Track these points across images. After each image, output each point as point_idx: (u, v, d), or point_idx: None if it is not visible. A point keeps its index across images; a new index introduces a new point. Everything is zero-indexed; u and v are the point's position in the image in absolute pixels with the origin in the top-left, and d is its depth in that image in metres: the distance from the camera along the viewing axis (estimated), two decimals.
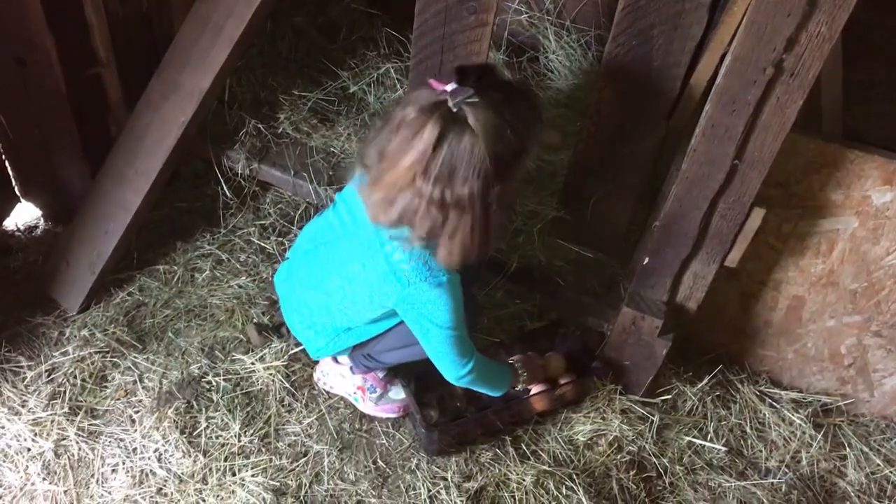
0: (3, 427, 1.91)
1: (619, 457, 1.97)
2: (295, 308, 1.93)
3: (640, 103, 1.82)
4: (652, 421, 2.02)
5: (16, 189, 2.39)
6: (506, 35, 2.64)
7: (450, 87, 1.43)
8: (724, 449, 2.03)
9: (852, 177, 1.75)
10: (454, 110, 1.42)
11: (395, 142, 1.46)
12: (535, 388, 2.01)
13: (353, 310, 1.79)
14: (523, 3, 2.62)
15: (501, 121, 1.43)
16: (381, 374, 1.99)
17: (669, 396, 2.09)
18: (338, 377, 2.02)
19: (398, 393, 2.01)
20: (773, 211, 1.81)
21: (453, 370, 1.75)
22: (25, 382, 2.00)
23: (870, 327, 1.98)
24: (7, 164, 2.33)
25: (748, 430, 2.09)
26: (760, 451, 2.06)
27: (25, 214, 2.43)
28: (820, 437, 2.08)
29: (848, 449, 2.10)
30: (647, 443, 2.00)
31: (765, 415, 2.12)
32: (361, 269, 1.68)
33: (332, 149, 2.28)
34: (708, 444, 2.04)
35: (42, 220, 2.42)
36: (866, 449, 2.10)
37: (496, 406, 1.96)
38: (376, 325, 1.83)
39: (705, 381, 2.12)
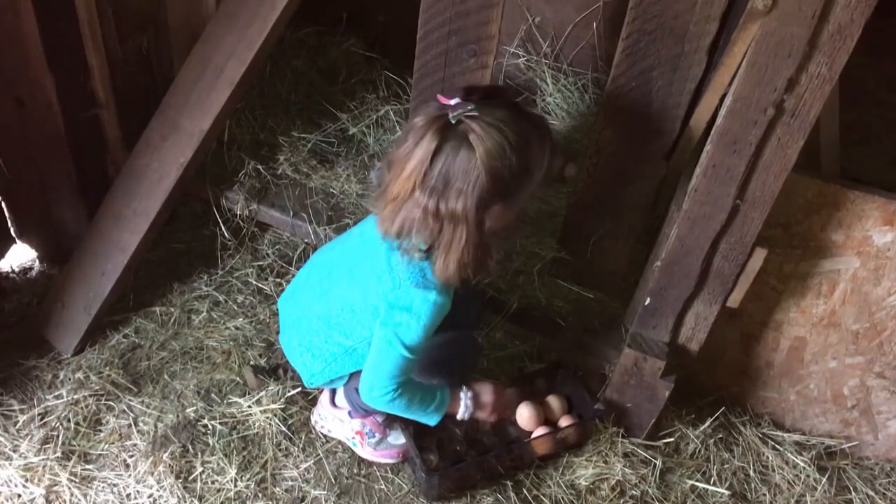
0: None
1: (621, 501, 1.93)
2: (294, 325, 1.90)
3: (640, 144, 1.83)
4: (655, 464, 1.99)
5: (11, 230, 2.38)
6: (503, 78, 2.66)
7: (453, 101, 1.47)
8: (727, 493, 2.00)
9: (853, 217, 1.75)
10: (453, 122, 1.44)
11: (401, 149, 1.50)
12: (536, 432, 1.98)
13: (353, 320, 1.76)
14: (521, 46, 2.65)
15: (502, 138, 1.44)
16: (379, 419, 1.96)
17: (672, 439, 2.06)
18: (336, 421, 1.99)
19: (397, 438, 1.98)
20: (773, 251, 1.81)
21: (379, 388, 1.68)
22: (17, 426, 1.97)
23: (872, 368, 1.97)
24: (3, 204, 2.32)
25: (752, 473, 2.06)
26: (765, 495, 2.03)
27: (21, 256, 2.41)
28: (825, 480, 2.05)
29: (853, 493, 2.07)
30: (650, 487, 1.96)
31: (768, 457, 2.09)
32: (366, 274, 1.69)
33: (331, 189, 2.28)
34: (711, 487, 2.01)
35: (37, 262, 2.40)
36: (871, 493, 2.07)
37: (497, 450, 1.93)
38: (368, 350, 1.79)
39: (707, 423, 2.10)
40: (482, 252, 1.53)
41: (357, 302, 1.73)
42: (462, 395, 1.80)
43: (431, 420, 1.78)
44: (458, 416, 1.81)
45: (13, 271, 2.37)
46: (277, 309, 2.02)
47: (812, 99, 1.47)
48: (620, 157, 1.87)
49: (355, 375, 1.84)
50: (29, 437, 1.95)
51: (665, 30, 1.66)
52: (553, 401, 2.05)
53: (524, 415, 2.01)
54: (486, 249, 1.54)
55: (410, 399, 1.72)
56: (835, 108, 1.84)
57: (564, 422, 2.01)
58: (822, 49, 1.41)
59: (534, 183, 1.56)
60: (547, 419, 2.02)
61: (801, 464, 2.08)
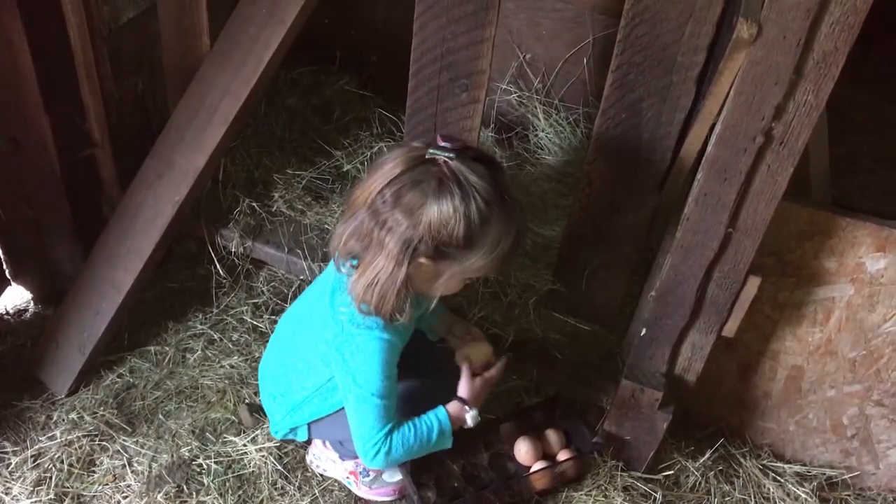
0: None
1: None
2: (263, 378, 1.93)
3: (631, 175, 1.84)
4: (655, 498, 1.97)
5: (6, 271, 2.37)
6: (494, 114, 2.69)
7: (443, 143, 1.46)
8: None
9: (845, 244, 1.75)
10: (427, 157, 1.44)
11: (377, 162, 1.51)
12: (535, 466, 1.96)
13: (304, 368, 1.76)
14: (512, 83, 2.69)
15: (461, 203, 1.40)
16: None
17: (672, 472, 2.04)
18: (329, 462, 1.97)
19: (392, 475, 1.96)
20: (767, 280, 1.81)
21: (367, 444, 1.65)
22: (10, 469, 1.94)
23: (871, 396, 1.96)
24: None
25: None
26: None
27: (15, 297, 2.40)
28: None
29: None
30: None
31: (769, 489, 2.07)
32: (314, 320, 1.70)
33: (326, 226, 2.29)
34: None
35: (32, 304, 2.39)
36: None
37: (495, 485, 1.92)
38: (327, 396, 1.78)
39: (707, 455, 2.08)
40: (392, 291, 1.49)
41: (308, 350, 1.73)
42: (458, 405, 1.74)
43: (442, 444, 1.73)
44: (469, 425, 1.75)
45: (7, 313, 2.36)
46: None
47: (800, 126, 1.49)
48: (612, 188, 1.88)
49: (324, 425, 1.85)
50: (21, 479, 1.92)
51: (654, 61, 1.68)
52: (551, 435, 2.03)
53: (522, 450, 1.99)
54: (398, 292, 1.49)
55: (405, 441, 1.67)
56: (823, 136, 1.86)
57: (563, 456, 1.99)
58: (807, 77, 1.43)
59: (475, 263, 1.50)
60: (545, 453, 2.00)
61: (803, 495, 2.06)
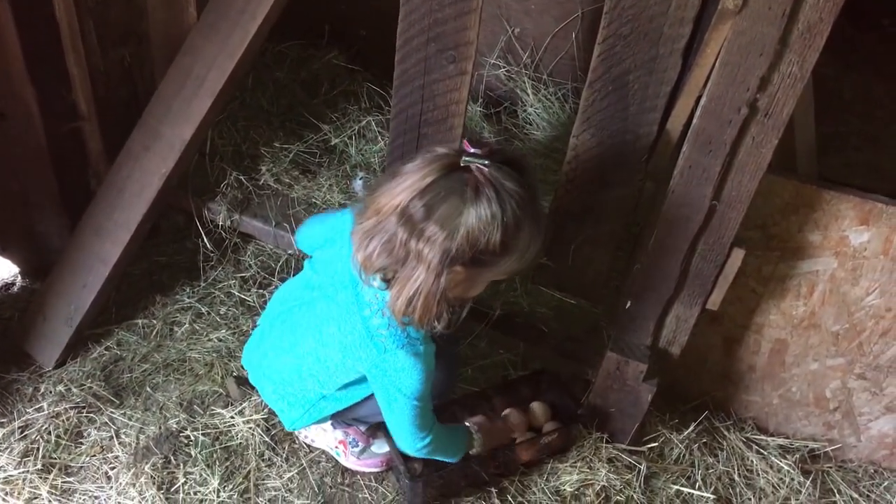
0: None
1: None
2: (266, 376, 1.89)
3: (618, 148, 1.84)
4: (639, 469, 1.99)
5: None
6: (483, 88, 2.68)
7: (473, 150, 1.43)
8: (712, 497, 2.00)
9: (829, 217, 1.77)
10: (462, 165, 1.41)
11: (406, 166, 1.46)
12: (520, 438, 1.97)
13: (325, 374, 1.75)
14: (501, 57, 2.68)
15: (498, 208, 1.39)
16: (363, 428, 1.95)
17: (656, 444, 2.06)
18: (319, 431, 1.98)
19: (381, 447, 1.97)
20: (752, 253, 1.83)
21: (411, 442, 1.72)
22: None
23: (853, 370, 1.98)
24: None
25: (736, 477, 2.06)
26: (749, 500, 2.03)
27: (2, 271, 2.39)
28: (808, 483, 2.06)
29: (837, 496, 2.07)
30: (634, 492, 1.96)
31: (752, 462, 2.09)
32: (337, 331, 1.67)
33: (313, 200, 2.29)
34: (696, 492, 2.00)
35: (19, 277, 2.39)
36: (856, 495, 2.08)
37: (481, 457, 1.92)
38: (349, 391, 1.79)
39: (691, 428, 2.10)
40: (434, 302, 1.48)
41: (333, 359, 1.72)
42: (474, 437, 1.86)
43: (456, 457, 1.84)
44: (472, 452, 1.86)
45: None
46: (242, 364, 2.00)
47: (785, 98, 1.49)
48: (599, 161, 1.89)
49: (347, 412, 1.85)
50: (9, 450, 1.92)
51: (640, 33, 1.68)
52: (537, 407, 2.05)
53: (508, 421, 2.01)
54: (439, 302, 1.48)
55: (445, 448, 1.78)
56: (809, 109, 1.87)
57: (548, 428, 2.01)
58: (792, 48, 1.44)
59: (505, 267, 1.51)
60: (531, 426, 2.02)
61: (786, 467, 2.08)
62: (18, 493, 1.84)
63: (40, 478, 1.87)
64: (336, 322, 1.67)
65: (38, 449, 1.93)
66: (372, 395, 1.75)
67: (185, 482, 1.90)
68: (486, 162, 1.41)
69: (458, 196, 1.40)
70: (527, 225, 1.45)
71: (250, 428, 2.01)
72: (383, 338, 1.59)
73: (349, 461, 1.97)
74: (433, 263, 1.43)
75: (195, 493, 1.88)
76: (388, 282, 1.54)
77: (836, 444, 2.14)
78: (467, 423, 1.89)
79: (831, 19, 1.39)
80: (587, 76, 1.81)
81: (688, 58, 1.70)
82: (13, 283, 2.38)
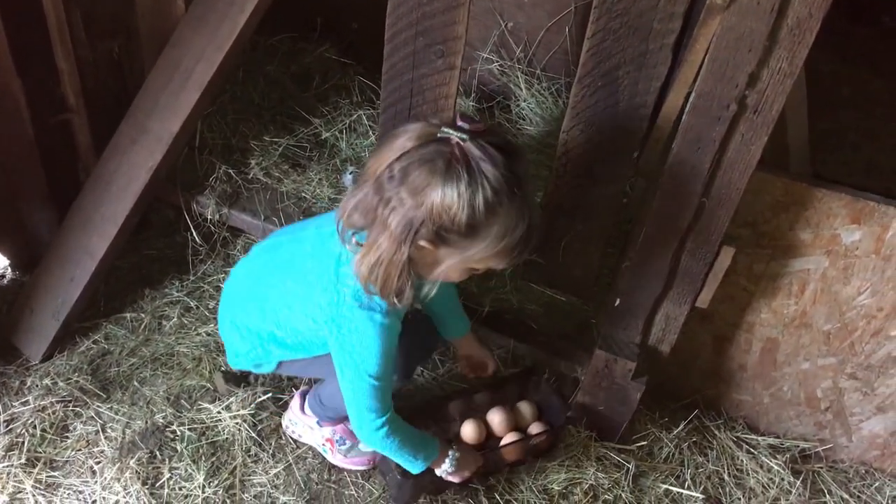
0: None
1: None
2: (230, 302, 1.84)
3: (608, 144, 1.82)
4: (628, 468, 1.98)
5: None
6: (476, 83, 2.66)
7: (461, 122, 1.37)
8: (702, 497, 1.98)
9: (820, 215, 1.75)
10: (440, 136, 1.36)
11: (387, 142, 1.43)
12: (506, 438, 1.95)
13: (288, 316, 1.70)
14: (494, 52, 2.66)
15: (467, 188, 1.32)
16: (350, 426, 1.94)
17: (645, 443, 2.05)
18: (306, 428, 1.97)
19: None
20: (743, 251, 1.81)
21: (366, 423, 1.64)
22: None
23: (844, 369, 1.96)
24: None
25: (726, 477, 2.05)
26: (739, 499, 2.02)
27: None
28: (799, 483, 2.04)
29: (828, 496, 2.06)
30: (623, 491, 1.95)
31: (742, 461, 2.08)
32: (311, 276, 1.62)
33: (303, 194, 2.27)
34: (686, 491, 1.99)
35: (9, 270, 2.38)
36: (846, 496, 2.06)
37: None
38: (302, 343, 1.74)
39: (681, 426, 2.09)
40: (395, 272, 1.43)
41: (297, 301, 1.67)
42: (450, 454, 1.78)
43: (416, 468, 1.76)
44: (438, 472, 1.80)
45: None
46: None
47: (774, 94, 1.47)
48: (588, 157, 1.86)
49: (297, 365, 1.81)
50: None
51: (630, 28, 1.66)
52: (524, 407, 2.03)
53: (495, 420, 1.99)
54: (400, 273, 1.43)
55: (402, 442, 1.69)
56: (802, 106, 1.85)
57: (535, 428, 1.99)
58: (781, 44, 1.42)
59: (477, 253, 1.43)
60: (518, 425, 2.00)
61: (776, 467, 2.07)
62: (2, 487, 1.84)
63: (25, 472, 1.87)
64: (314, 258, 1.62)
65: (23, 443, 1.93)
66: (323, 356, 1.69)
67: (171, 477, 1.89)
68: (465, 137, 1.35)
69: (430, 166, 1.34)
70: (503, 214, 1.37)
71: (237, 423, 2.00)
72: (347, 288, 1.54)
73: (336, 458, 1.96)
74: (395, 232, 1.39)
75: (180, 489, 1.88)
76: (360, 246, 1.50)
77: (827, 444, 2.12)
78: (453, 447, 1.81)
79: (821, 15, 1.37)
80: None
81: (678, 53, 1.68)
82: (3, 276, 2.37)
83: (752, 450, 2.11)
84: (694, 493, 1.99)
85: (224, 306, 1.87)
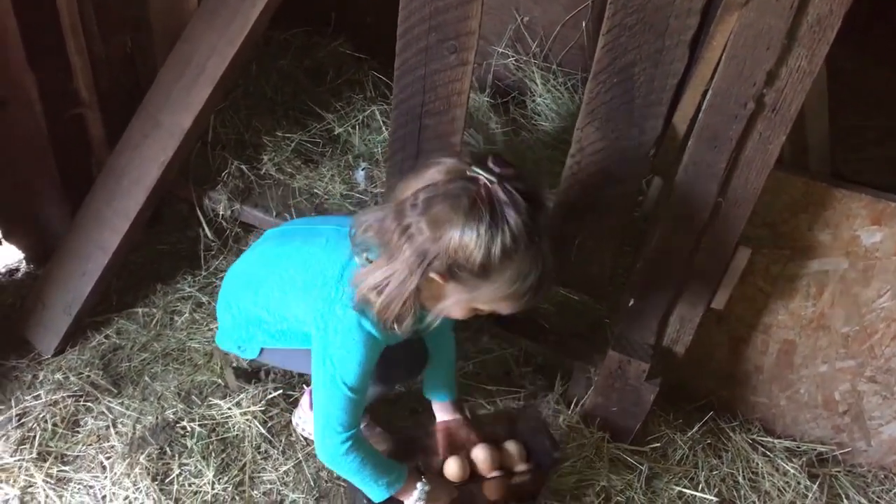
0: None
1: None
2: (231, 280, 1.83)
3: (623, 142, 1.79)
4: (641, 470, 1.95)
5: None
6: (491, 78, 2.64)
7: (489, 163, 1.36)
8: (715, 499, 1.95)
9: (840, 216, 1.71)
10: (469, 174, 1.35)
11: (416, 173, 1.42)
12: (491, 474, 1.86)
13: (279, 299, 1.67)
14: (509, 46, 2.63)
15: (486, 231, 1.32)
16: (362, 425, 1.92)
17: (659, 444, 2.03)
18: None
19: (377, 445, 1.93)
20: (760, 252, 1.78)
21: (330, 434, 1.59)
22: None
23: (864, 373, 1.93)
24: None
25: (741, 479, 2.02)
26: (754, 503, 1.98)
27: (7, 257, 2.39)
28: (815, 487, 2.01)
29: (845, 501, 2.02)
30: (635, 493, 1.92)
31: (758, 464, 2.05)
32: (319, 261, 1.60)
33: (315, 190, 2.26)
34: (699, 494, 1.96)
35: (24, 263, 2.39)
36: (864, 501, 2.03)
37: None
38: (286, 333, 1.71)
39: (696, 428, 2.06)
40: (399, 300, 1.43)
41: (293, 289, 1.64)
42: (419, 486, 1.69)
43: (379, 494, 1.67)
44: (410, 500, 1.70)
45: None
46: None
47: (793, 93, 1.44)
48: (603, 155, 1.83)
49: (279, 354, 1.78)
50: (5, 437, 1.92)
51: (646, 24, 1.62)
52: (511, 446, 1.91)
53: (479, 458, 1.88)
54: (405, 301, 1.43)
55: (363, 462, 1.62)
56: (823, 104, 1.80)
57: (521, 468, 1.89)
58: (801, 41, 1.38)
59: (486, 294, 1.42)
60: (503, 465, 1.89)
61: (792, 471, 2.03)
62: (14, 481, 1.84)
63: (36, 466, 1.87)
64: (326, 252, 1.60)
65: (34, 437, 1.93)
66: (305, 350, 1.65)
67: (180, 473, 1.89)
68: (494, 179, 1.34)
69: (454, 202, 1.33)
70: (517, 260, 1.36)
71: (247, 420, 1.99)
72: (343, 291, 1.53)
73: None
74: (409, 259, 1.38)
75: (189, 485, 1.87)
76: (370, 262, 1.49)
77: (845, 448, 2.08)
78: (423, 480, 1.71)
79: (842, 11, 1.34)
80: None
81: (695, 50, 1.65)
82: (17, 269, 2.38)
83: (768, 453, 2.07)
84: (708, 496, 1.96)
85: (225, 283, 1.86)
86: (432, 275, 1.40)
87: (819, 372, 1.97)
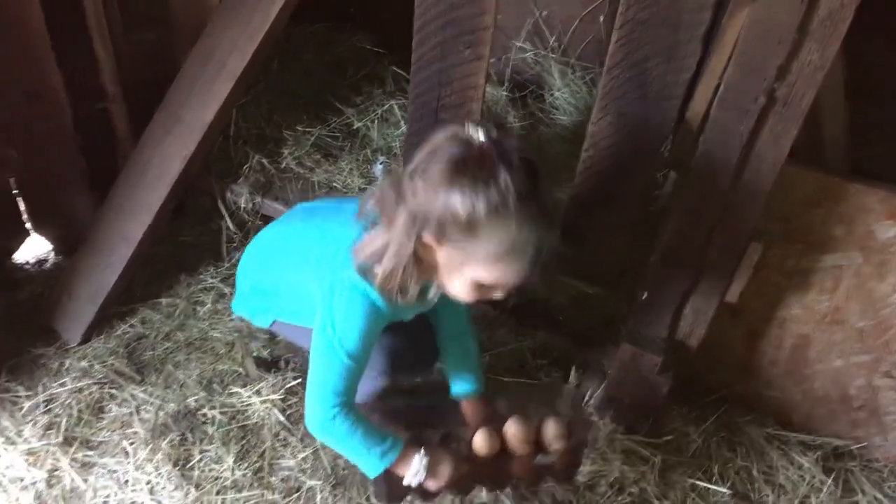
0: None
1: (619, 498, 1.90)
2: (254, 247, 1.86)
3: (637, 136, 1.80)
4: (654, 462, 1.96)
5: (26, 223, 2.43)
6: (509, 72, 2.65)
7: (485, 126, 1.36)
8: (729, 492, 1.96)
9: (854, 211, 1.71)
10: (464, 136, 1.35)
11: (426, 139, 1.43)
12: (522, 451, 1.73)
13: (294, 267, 1.67)
14: (528, 40, 2.64)
15: (473, 191, 1.31)
16: (376, 418, 1.96)
17: (673, 437, 2.03)
18: None
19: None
20: (775, 246, 1.78)
21: (321, 401, 1.53)
22: (23, 412, 2.00)
23: (879, 368, 1.92)
24: (18, 197, 2.36)
25: (755, 472, 2.02)
26: (768, 496, 1.99)
27: (36, 247, 2.46)
28: (830, 481, 2.00)
29: (860, 495, 2.01)
30: (649, 484, 1.93)
31: (772, 457, 2.05)
32: (338, 235, 1.56)
33: (334, 183, 2.29)
34: (713, 486, 1.97)
35: (52, 254, 2.45)
36: (880, 496, 2.02)
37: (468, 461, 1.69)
38: (299, 308, 1.69)
39: (710, 421, 2.07)
40: (399, 267, 1.42)
41: (307, 266, 1.61)
42: (417, 457, 1.59)
43: (373, 467, 1.58)
44: (405, 481, 1.60)
45: (28, 263, 2.42)
46: None
47: (804, 87, 1.44)
48: (617, 149, 1.85)
49: (290, 330, 1.78)
50: (33, 422, 1.98)
51: (659, 19, 1.63)
52: (551, 424, 1.76)
53: (510, 432, 1.74)
54: (405, 269, 1.42)
55: (353, 427, 1.55)
56: (839, 98, 1.80)
57: (556, 446, 1.74)
58: (812, 35, 1.38)
59: (473, 254, 1.38)
60: (539, 443, 1.75)
61: (807, 464, 2.03)
62: (41, 465, 1.89)
63: (62, 450, 1.92)
64: (344, 227, 1.57)
65: (60, 423, 1.98)
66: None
67: (201, 459, 1.93)
68: (488, 142, 1.33)
69: (449, 164, 1.33)
70: (506, 219, 1.33)
71: (267, 408, 2.03)
72: (345, 256, 1.50)
73: None
74: (405, 224, 1.39)
75: (210, 471, 1.91)
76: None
77: (861, 443, 2.08)
78: (423, 451, 1.60)
79: (853, 5, 1.34)
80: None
81: (708, 45, 1.66)
82: (46, 260, 2.44)
83: (783, 446, 2.07)
84: (721, 489, 1.96)
85: (247, 253, 1.88)
86: (426, 238, 1.39)
87: (834, 366, 1.96)
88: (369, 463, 1.58)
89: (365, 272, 1.48)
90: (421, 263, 1.45)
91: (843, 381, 1.98)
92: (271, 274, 1.77)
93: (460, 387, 1.86)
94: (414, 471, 1.58)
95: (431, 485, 1.62)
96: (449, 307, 1.76)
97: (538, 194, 1.37)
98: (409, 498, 1.67)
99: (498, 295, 1.48)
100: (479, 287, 1.45)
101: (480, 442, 1.73)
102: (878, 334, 1.87)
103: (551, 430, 1.75)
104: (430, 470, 1.60)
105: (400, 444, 1.60)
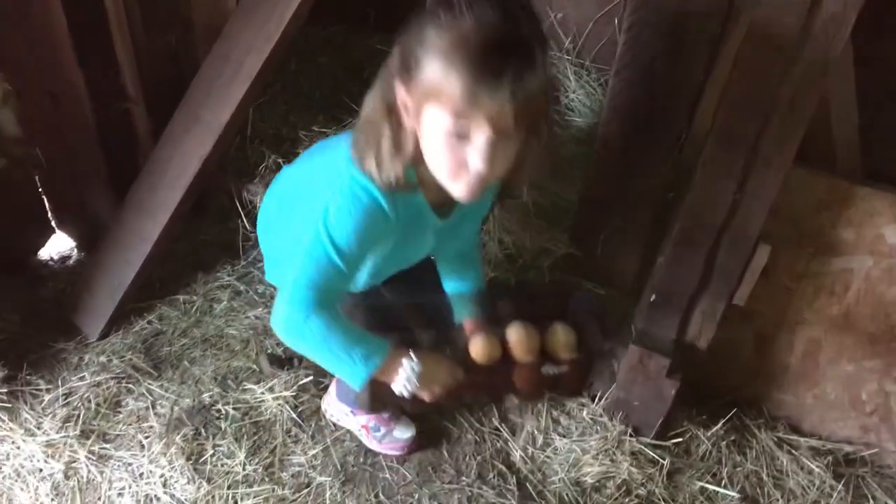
0: (18, 447, 1.95)
1: (627, 500, 1.91)
2: (268, 203, 1.84)
3: (646, 137, 1.81)
4: (662, 464, 1.97)
5: (51, 220, 2.48)
6: None
7: None
8: (738, 496, 1.96)
9: (863, 215, 1.70)
10: None
11: None
12: (525, 359, 1.57)
13: (294, 209, 1.61)
14: None
15: (433, 22, 1.19)
16: (386, 415, 1.98)
17: (682, 440, 2.03)
18: (342, 415, 2.02)
19: (403, 432, 1.99)
20: (784, 249, 1.78)
21: (297, 298, 1.37)
22: (42, 405, 2.05)
23: (891, 373, 1.91)
24: (43, 195, 2.42)
25: (764, 477, 2.01)
26: (777, 500, 1.98)
27: (60, 244, 2.52)
28: (841, 487, 1.99)
29: (871, 501, 2.00)
30: (657, 487, 1.94)
31: (782, 462, 2.04)
32: (341, 155, 1.43)
33: None
34: (722, 490, 1.97)
35: (76, 251, 2.51)
36: (891, 502, 2.00)
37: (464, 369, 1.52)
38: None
39: (720, 424, 2.06)
40: (382, 131, 1.31)
41: (319, 173, 1.53)
42: (405, 362, 1.44)
43: (355, 375, 1.41)
44: (395, 389, 1.44)
45: (52, 259, 2.48)
46: None
47: (808, 91, 1.44)
48: (627, 150, 1.86)
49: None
50: (52, 415, 2.03)
51: (667, 22, 1.64)
52: (559, 330, 1.61)
53: (513, 339, 1.59)
54: (394, 141, 1.31)
55: (329, 328, 1.37)
56: (849, 100, 1.79)
57: (565, 356, 1.60)
58: (816, 38, 1.38)
59: (434, 82, 1.21)
60: (546, 351, 1.61)
61: (817, 469, 2.02)
62: (59, 457, 1.94)
63: (79, 443, 1.97)
64: (333, 143, 1.55)
65: (79, 416, 2.03)
66: None
67: (213, 454, 1.96)
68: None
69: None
70: (456, 26, 1.18)
71: (279, 404, 2.06)
72: (346, 161, 1.39)
73: (372, 444, 2.01)
74: (380, 86, 1.33)
75: (222, 465, 1.95)
76: None
77: (872, 449, 2.06)
78: (412, 354, 1.43)
79: (856, 9, 1.34)
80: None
81: (716, 48, 1.66)
82: (69, 256, 2.50)
83: (793, 451, 2.06)
84: (730, 492, 1.96)
85: (263, 208, 1.87)
86: (398, 90, 1.28)
87: (845, 371, 1.95)
88: (352, 370, 1.40)
89: (362, 164, 1.35)
90: (402, 129, 1.32)
91: (854, 385, 1.97)
92: (286, 228, 1.70)
93: (464, 310, 1.70)
94: (402, 379, 1.44)
95: (424, 394, 1.47)
96: (455, 238, 1.61)
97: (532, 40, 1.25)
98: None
99: (476, 160, 1.26)
100: (453, 140, 1.26)
101: (479, 348, 1.57)
102: (890, 339, 1.86)
103: (559, 337, 1.62)
104: (422, 379, 1.45)
105: (385, 346, 1.43)
